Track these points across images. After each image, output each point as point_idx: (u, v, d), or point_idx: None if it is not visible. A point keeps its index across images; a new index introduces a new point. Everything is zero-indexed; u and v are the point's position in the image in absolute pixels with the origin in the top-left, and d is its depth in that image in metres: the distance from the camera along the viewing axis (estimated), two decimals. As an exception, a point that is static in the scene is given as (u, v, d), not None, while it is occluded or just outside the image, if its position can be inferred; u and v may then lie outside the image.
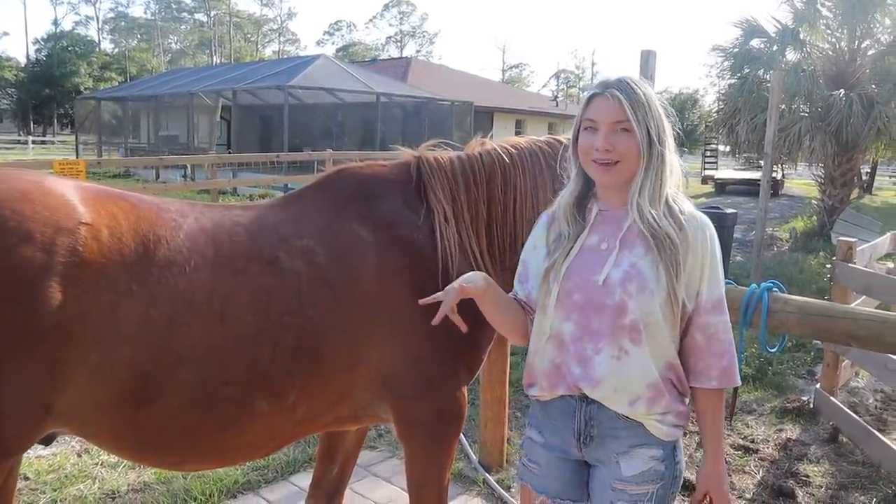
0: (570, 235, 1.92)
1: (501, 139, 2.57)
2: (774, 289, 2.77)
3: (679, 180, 1.90)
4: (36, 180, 1.82)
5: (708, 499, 1.94)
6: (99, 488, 3.73)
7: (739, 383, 1.92)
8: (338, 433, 2.68)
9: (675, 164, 1.88)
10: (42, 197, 1.75)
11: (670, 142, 1.86)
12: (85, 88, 53.39)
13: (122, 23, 78.18)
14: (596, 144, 1.83)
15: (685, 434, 2.78)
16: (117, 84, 52.90)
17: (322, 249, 2.13)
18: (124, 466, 3.95)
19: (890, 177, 36.88)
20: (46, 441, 1.98)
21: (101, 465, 3.98)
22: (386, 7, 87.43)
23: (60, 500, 3.60)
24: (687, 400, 1.93)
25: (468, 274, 2.01)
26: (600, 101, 1.85)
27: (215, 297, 1.92)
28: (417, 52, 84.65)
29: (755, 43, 15.19)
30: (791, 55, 15.00)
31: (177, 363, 1.87)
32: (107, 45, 76.57)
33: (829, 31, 15.02)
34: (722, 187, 25.62)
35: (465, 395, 2.39)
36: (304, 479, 3.86)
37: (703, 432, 1.95)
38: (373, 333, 2.15)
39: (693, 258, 1.82)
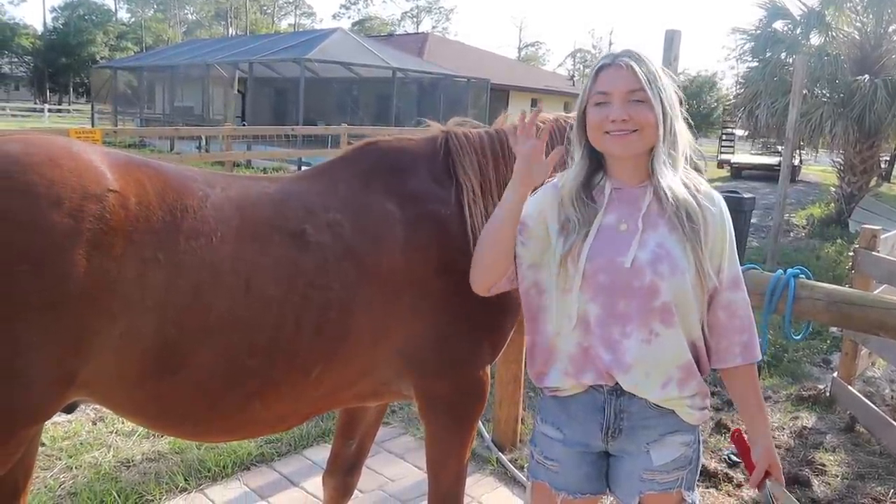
0: (581, 220, 1.82)
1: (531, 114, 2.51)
2: (801, 275, 2.72)
3: (687, 152, 1.86)
4: (65, 145, 1.79)
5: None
6: (114, 456, 3.75)
7: (760, 357, 1.90)
8: (358, 409, 2.66)
9: (685, 138, 1.84)
10: (71, 162, 1.72)
11: (679, 115, 1.83)
12: (101, 58, 53.34)
13: (139, -8, 77.96)
14: (611, 115, 1.76)
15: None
16: (133, 54, 52.88)
17: (349, 223, 2.09)
18: (139, 435, 3.97)
19: (910, 165, 36.38)
20: (69, 409, 1.97)
21: (116, 433, 4.00)
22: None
23: (76, 467, 3.62)
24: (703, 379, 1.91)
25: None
26: (611, 72, 1.78)
27: (241, 269, 1.89)
28: (433, 27, 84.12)
29: (778, 25, 14.96)
30: (815, 39, 14.77)
31: (201, 334, 1.84)
32: (123, 15, 76.52)
33: (855, 15, 14.76)
34: (738, 172, 25.37)
35: (489, 375, 2.37)
36: (318, 453, 3.88)
37: (748, 411, 1.92)
38: (398, 310, 2.12)
39: (714, 233, 1.80)
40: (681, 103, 1.85)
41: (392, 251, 2.12)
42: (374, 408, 2.71)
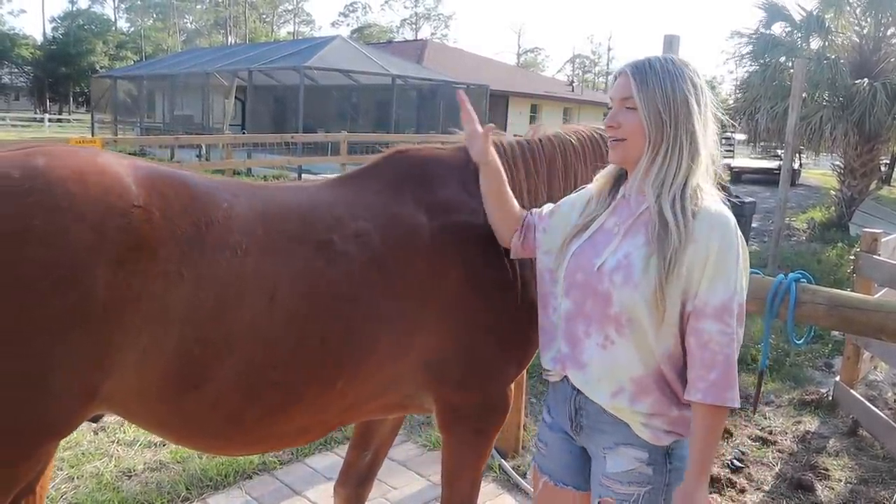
0: (591, 215, 1.90)
1: (561, 126, 2.51)
2: (802, 280, 2.72)
3: (708, 169, 1.79)
4: (91, 159, 1.77)
5: None
6: (115, 466, 3.74)
7: (735, 404, 1.70)
8: (374, 420, 2.64)
9: (703, 151, 1.76)
10: (96, 177, 1.71)
11: (698, 129, 1.74)
12: (101, 67, 53.48)
13: (138, 2, 78.00)
14: (606, 121, 1.83)
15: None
16: (133, 63, 53.01)
17: (377, 233, 2.07)
18: (140, 445, 3.96)
19: (909, 168, 36.41)
20: (94, 418, 1.97)
21: (118, 443, 3.99)
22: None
23: (77, 477, 3.62)
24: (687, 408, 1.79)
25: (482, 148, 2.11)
26: (616, 80, 1.83)
27: (266, 281, 1.87)
28: (432, 34, 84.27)
29: (777, 29, 15.00)
30: (814, 43, 14.80)
31: (225, 348, 1.82)
32: (123, 24, 76.72)
33: (853, 19, 14.80)
34: (738, 176, 25.39)
35: (512, 389, 2.35)
36: (320, 461, 3.87)
37: (690, 447, 1.75)
38: (425, 321, 2.10)
39: (694, 255, 1.67)
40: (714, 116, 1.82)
41: (420, 262, 2.09)
42: (391, 420, 2.68)
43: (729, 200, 1.88)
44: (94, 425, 4.14)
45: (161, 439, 4.00)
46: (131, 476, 3.68)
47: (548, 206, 2.10)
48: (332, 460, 3.88)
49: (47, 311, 1.60)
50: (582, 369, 1.85)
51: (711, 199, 1.76)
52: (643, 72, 1.76)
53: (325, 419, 2.13)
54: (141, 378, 1.77)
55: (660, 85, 1.74)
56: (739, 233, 1.74)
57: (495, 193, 2.12)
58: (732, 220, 1.75)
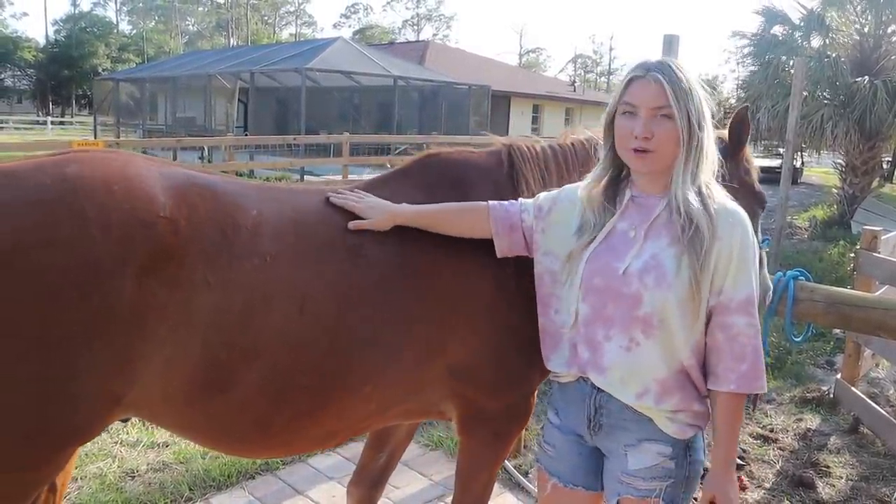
0: (596, 223, 1.87)
1: (590, 129, 2.47)
2: (801, 277, 2.73)
3: (714, 167, 1.82)
4: (120, 168, 1.77)
5: None
6: (119, 467, 3.76)
7: (764, 390, 1.80)
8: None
9: (712, 151, 1.80)
10: (123, 187, 1.72)
11: (709, 128, 1.79)
12: (103, 69, 53.50)
13: (140, 4, 78.24)
14: (635, 131, 1.75)
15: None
16: (135, 65, 53.03)
17: (407, 238, 2.06)
18: (144, 445, 3.98)
19: (912, 166, 36.33)
20: (122, 419, 2.00)
21: (121, 443, 4.01)
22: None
23: (80, 478, 3.63)
24: (707, 400, 1.86)
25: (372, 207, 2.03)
26: (641, 85, 1.77)
27: (295, 288, 1.88)
28: (434, 35, 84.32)
29: (777, 30, 15.01)
30: (815, 41, 14.81)
31: (252, 355, 1.83)
32: (125, 27, 76.72)
33: (854, 17, 14.80)
34: (740, 175, 25.30)
35: (535, 395, 2.35)
36: (322, 461, 3.88)
37: (716, 436, 1.82)
38: (455, 326, 2.08)
39: (720, 250, 1.73)
40: (713, 116, 1.83)
41: (451, 267, 2.09)
42: (406, 423, 2.66)
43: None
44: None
45: (164, 440, 4.03)
46: (134, 477, 3.70)
47: (537, 203, 2.04)
48: (334, 460, 3.90)
49: (72, 318, 1.62)
50: (603, 373, 1.84)
51: (722, 195, 1.81)
52: (674, 79, 1.74)
53: (352, 424, 2.13)
54: (167, 383, 1.79)
55: (689, 91, 1.74)
56: (752, 227, 1.81)
57: (445, 225, 2.06)
58: (743, 214, 1.81)
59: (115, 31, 68.84)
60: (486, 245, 2.09)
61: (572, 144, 2.40)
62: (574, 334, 1.90)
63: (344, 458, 3.92)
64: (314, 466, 3.86)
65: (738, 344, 1.75)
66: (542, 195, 2.06)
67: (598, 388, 1.88)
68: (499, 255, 2.06)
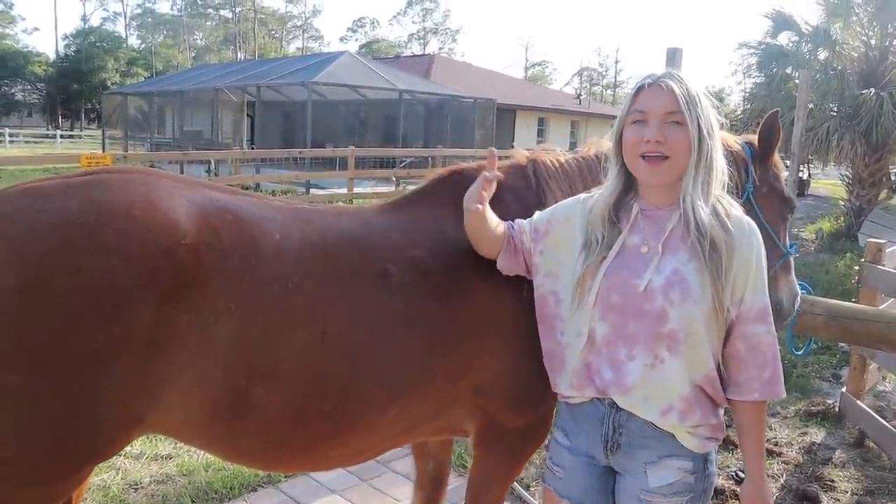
0: (605, 238, 1.84)
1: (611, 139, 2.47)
2: (803, 291, 2.73)
3: (724, 179, 1.81)
4: (144, 193, 1.79)
5: None
6: (122, 479, 3.77)
7: (783, 395, 1.83)
8: None
9: (720, 162, 1.80)
10: (146, 214, 1.73)
11: (717, 139, 1.79)
12: (112, 83, 54.03)
13: (149, 19, 78.93)
14: (647, 136, 1.74)
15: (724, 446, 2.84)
16: (143, 79, 53.44)
17: (435, 260, 2.05)
18: (147, 458, 3.99)
19: (919, 178, 36.22)
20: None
21: (125, 455, 4.02)
22: (409, 4, 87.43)
23: (85, 490, 3.64)
24: (721, 411, 1.86)
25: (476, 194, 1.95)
26: (652, 91, 1.76)
27: (318, 314, 1.88)
28: (440, 49, 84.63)
29: (783, 39, 15.04)
30: (821, 54, 14.82)
31: (274, 381, 1.84)
32: (133, 41, 77.42)
33: (860, 29, 14.81)
34: (747, 187, 25.25)
35: (553, 416, 2.33)
36: (325, 475, 3.88)
37: (745, 447, 1.85)
38: (482, 348, 2.07)
39: (738, 263, 1.74)
40: (721, 127, 1.84)
41: (478, 288, 2.07)
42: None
43: None
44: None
45: (167, 453, 4.04)
46: (137, 489, 3.70)
47: (533, 224, 2.02)
48: (336, 474, 3.89)
49: (92, 343, 1.65)
50: (627, 393, 1.82)
51: (735, 207, 1.82)
52: (685, 87, 1.74)
53: (378, 443, 2.14)
54: (188, 406, 1.81)
55: (698, 102, 1.75)
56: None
57: (478, 230, 2.00)
58: (755, 225, 1.83)
59: (125, 45, 69.46)
60: None
61: (595, 156, 2.36)
62: (590, 355, 1.86)
63: (346, 472, 3.91)
64: (317, 479, 3.86)
65: (760, 352, 1.78)
66: (537, 216, 2.04)
67: (617, 408, 1.85)
68: (502, 270, 2.05)
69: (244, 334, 1.79)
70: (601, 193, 1.91)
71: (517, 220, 2.06)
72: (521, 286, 2.08)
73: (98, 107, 49.02)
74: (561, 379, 1.96)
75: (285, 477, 3.86)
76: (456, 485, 3.84)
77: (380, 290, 1.96)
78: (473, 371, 2.08)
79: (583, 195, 2.01)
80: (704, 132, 1.74)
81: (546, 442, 2.25)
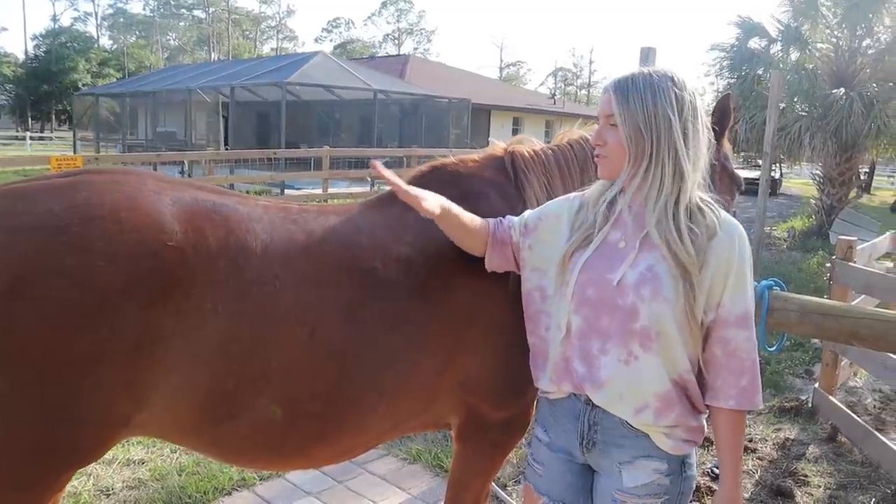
0: (587, 230, 1.84)
1: (585, 129, 2.47)
2: (775, 287, 2.74)
3: (697, 179, 1.76)
4: (129, 194, 1.76)
5: None
6: (94, 485, 3.70)
7: (761, 405, 1.80)
8: None
9: (688, 169, 1.72)
10: (131, 215, 1.72)
11: (680, 145, 1.72)
12: (83, 85, 53.23)
13: (121, 19, 77.96)
14: (592, 139, 1.84)
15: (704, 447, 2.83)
16: (115, 80, 52.71)
17: (420, 257, 2.05)
18: (119, 463, 3.92)
19: (888, 177, 37.00)
20: None
21: (96, 461, 3.94)
22: (384, 4, 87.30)
23: (59, 500, 3.56)
24: (703, 417, 1.84)
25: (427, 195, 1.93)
26: (602, 96, 1.84)
27: (306, 314, 1.87)
28: (415, 49, 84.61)
29: (754, 43, 15.21)
30: (792, 54, 15.02)
31: (262, 382, 1.83)
32: (105, 42, 76.40)
33: (829, 30, 15.03)
34: (720, 186, 25.54)
35: (533, 408, 2.33)
36: (299, 476, 3.85)
37: (720, 455, 1.81)
38: (467, 341, 2.08)
39: (715, 271, 1.70)
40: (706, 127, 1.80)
41: (463, 283, 2.07)
42: None
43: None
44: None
45: (140, 458, 3.98)
46: (109, 494, 3.64)
47: (524, 219, 2.03)
48: (311, 475, 3.86)
49: (76, 346, 1.64)
50: (601, 388, 1.80)
51: (717, 211, 1.77)
52: (625, 88, 1.74)
53: (367, 440, 2.14)
54: (174, 409, 1.80)
55: (641, 102, 1.72)
56: (747, 239, 1.79)
57: (457, 227, 2.00)
58: (741, 227, 1.78)
59: (96, 46, 68.49)
60: None
61: (570, 145, 2.40)
62: (567, 348, 1.85)
63: (321, 473, 3.88)
64: (292, 481, 3.82)
65: (737, 359, 1.73)
66: (527, 213, 2.06)
67: (593, 405, 1.84)
68: (488, 269, 2.04)
69: (232, 336, 1.78)
70: (593, 188, 1.92)
71: (507, 217, 2.07)
72: (506, 279, 2.09)
73: (69, 108, 48.25)
74: (543, 374, 1.96)
75: (260, 480, 3.82)
76: (433, 485, 3.83)
77: (367, 289, 1.96)
78: (459, 366, 2.09)
79: (572, 194, 2.01)
80: (647, 136, 1.71)
81: (528, 438, 2.25)
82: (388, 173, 1.91)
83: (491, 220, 2.05)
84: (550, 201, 2.08)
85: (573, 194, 2.02)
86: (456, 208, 1.99)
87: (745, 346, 1.74)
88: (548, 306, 1.93)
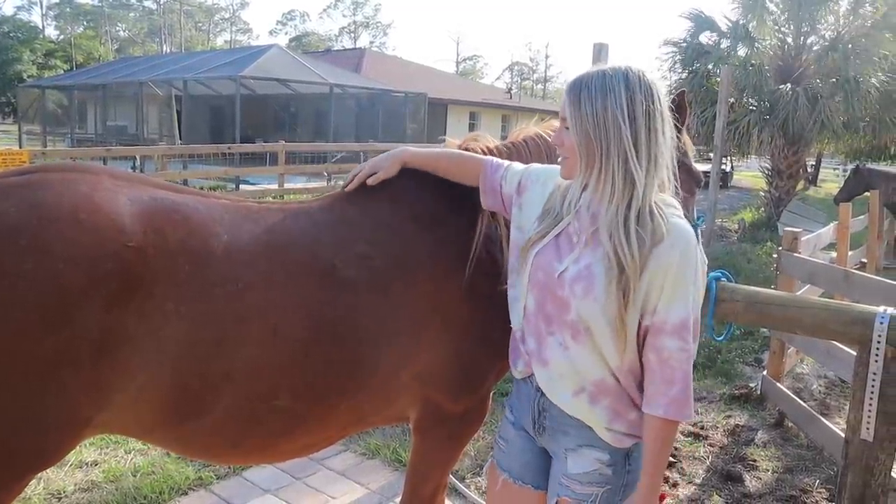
0: (556, 214, 1.85)
1: (541, 126, 2.48)
2: (723, 278, 2.81)
3: (664, 185, 1.75)
4: (87, 194, 1.73)
5: None
6: (44, 488, 3.63)
7: (691, 418, 1.81)
8: None
9: (640, 174, 1.69)
10: (90, 216, 1.69)
11: (630, 150, 1.68)
12: (28, 76, 51.68)
13: (68, 9, 75.84)
14: (552, 140, 1.88)
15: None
16: (63, 72, 51.34)
17: (378, 254, 2.07)
18: (71, 465, 3.85)
19: (834, 169, 38.04)
20: None
21: (47, 463, 3.87)
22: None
23: None
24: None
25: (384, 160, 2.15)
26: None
27: (267, 314, 1.87)
28: (371, 43, 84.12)
29: (705, 37, 15.50)
30: (740, 50, 15.33)
31: (225, 381, 1.83)
32: (51, 32, 74.24)
33: (776, 27, 15.39)
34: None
35: (490, 399, 2.37)
36: (257, 474, 3.83)
37: (643, 461, 1.78)
38: (425, 335, 2.11)
39: (652, 277, 1.68)
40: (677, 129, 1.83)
41: (421, 279, 2.10)
42: None
43: None
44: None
45: (93, 459, 3.91)
46: (61, 498, 3.57)
47: (520, 176, 2.04)
48: (269, 473, 3.84)
49: (38, 349, 1.62)
50: (546, 366, 1.86)
51: (667, 217, 1.72)
52: (577, 91, 1.73)
53: (329, 435, 2.17)
54: (137, 409, 1.79)
55: (591, 107, 1.69)
56: (699, 247, 1.75)
57: (442, 172, 2.18)
58: (692, 234, 1.74)
59: (41, 36, 66.50)
60: (455, 253, 2.14)
61: (525, 142, 2.41)
62: (525, 325, 1.91)
63: (279, 471, 3.87)
64: (249, 479, 3.80)
65: (669, 368, 1.71)
66: (523, 170, 2.08)
67: (541, 392, 1.89)
68: (484, 208, 2.14)
69: (195, 336, 1.78)
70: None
71: (507, 164, 2.12)
72: (462, 273, 2.12)
73: (13, 100, 46.79)
74: (513, 358, 2.02)
75: (217, 478, 3.78)
76: (391, 479, 3.85)
77: (328, 288, 1.97)
78: (419, 360, 2.12)
79: (554, 167, 2.00)
80: (596, 140, 1.70)
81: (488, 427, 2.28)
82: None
83: (487, 163, 2.13)
84: (543, 167, 2.07)
85: (555, 167, 1.95)
86: (426, 155, 2.19)
87: (677, 356, 1.70)
88: (515, 292, 1.98)
